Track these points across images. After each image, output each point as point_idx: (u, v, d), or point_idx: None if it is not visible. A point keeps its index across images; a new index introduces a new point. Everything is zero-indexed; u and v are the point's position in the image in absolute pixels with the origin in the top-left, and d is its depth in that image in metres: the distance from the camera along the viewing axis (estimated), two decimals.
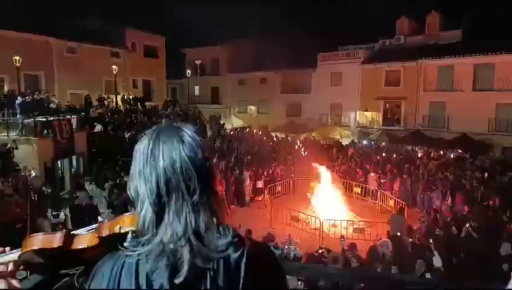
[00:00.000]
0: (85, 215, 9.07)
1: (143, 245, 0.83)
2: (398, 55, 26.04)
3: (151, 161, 0.85)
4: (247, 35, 35.31)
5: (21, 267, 0.96)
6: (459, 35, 25.54)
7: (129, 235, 0.88)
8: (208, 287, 0.81)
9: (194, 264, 0.80)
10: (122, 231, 0.91)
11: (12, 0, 21.79)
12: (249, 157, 18.60)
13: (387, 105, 27.53)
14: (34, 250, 0.93)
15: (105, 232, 0.93)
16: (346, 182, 16.73)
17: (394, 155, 20.68)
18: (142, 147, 0.88)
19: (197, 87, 37.00)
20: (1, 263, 0.94)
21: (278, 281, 0.92)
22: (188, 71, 31.26)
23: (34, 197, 9.91)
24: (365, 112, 27.63)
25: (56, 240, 0.93)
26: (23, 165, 11.82)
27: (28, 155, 12.83)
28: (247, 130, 29.10)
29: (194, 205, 0.84)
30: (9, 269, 0.94)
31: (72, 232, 0.98)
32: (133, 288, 0.81)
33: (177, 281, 0.79)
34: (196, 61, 35.70)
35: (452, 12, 27.35)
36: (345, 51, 30.07)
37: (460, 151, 20.69)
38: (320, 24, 42.19)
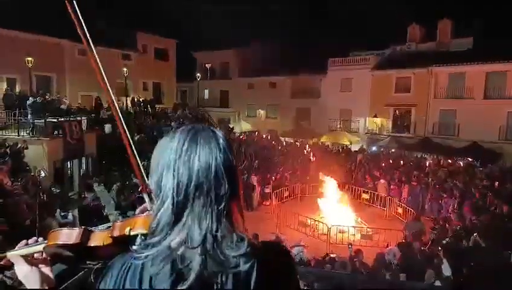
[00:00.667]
0: (93, 217, 9.15)
1: (152, 247, 0.80)
2: (409, 62, 25.86)
3: (185, 159, 0.81)
4: (257, 39, 35.49)
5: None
6: (471, 42, 25.32)
7: (138, 238, 0.87)
8: None
9: (202, 274, 0.76)
10: (132, 233, 0.90)
11: (25, 2, 22.17)
12: (257, 161, 18.59)
13: (397, 112, 27.33)
14: (57, 243, 0.97)
15: (116, 233, 0.94)
16: (354, 188, 16.63)
17: (403, 162, 20.48)
18: (174, 144, 0.83)
19: (206, 91, 37.17)
20: (28, 253, 1.00)
21: (290, 285, 0.89)
22: (198, 74, 31.44)
23: (43, 197, 10.01)
24: (375, 118, 27.45)
25: (75, 235, 0.97)
26: (33, 165, 11.95)
27: (38, 155, 12.97)
28: (256, 134, 29.10)
29: (219, 212, 0.80)
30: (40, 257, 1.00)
31: (89, 229, 1.00)
32: (136, 284, 0.79)
33: (180, 288, 0.75)
34: (206, 65, 35.89)
35: (464, 20, 27.16)
36: (356, 56, 30.00)
37: (470, 159, 20.43)
38: (331, 29, 42.14)
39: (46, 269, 0.99)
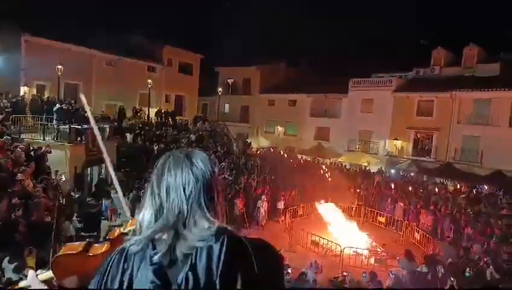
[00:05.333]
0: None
1: (138, 235, 1.02)
2: (432, 86, 25.48)
3: (160, 178, 1.07)
4: (280, 57, 35.89)
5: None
6: (497, 68, 24.76)
7: (130, 233, 1.08)
8: (186, 271, 0.94)
9: (172, 249, 0.97)
10: (125, 231, 1.14)
11: (59, 13, 23.29)
12: (267, 177, 18.54)
13: (418, 135, 26.84)
14: (64, 253, 1.19)
15: (112, 235, 1.18)
16: (370, 210, 16.30)
17: (422, 186, 19.99)
18: (155, 168, 1.11)
19: (227, 105, 37.61)
20: (42, 279, 1.21)
21: (251, 272, 0.98)
22: (220, 89, 31.93)
23: (62, 201, 10.26)
24: (395, 141, 27.02)
25: (78, 246, 1.19)
26: (55, 169, 12.30)
27: (60, 160, 13.35)
28: (272, 150, 29.10)
29: (189, 203, 1.02)
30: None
31: (90, 241, 1.23)
32: (121, 264, 0.99)
33: (154, 259, 0.96)
34: (228, 80, 36.46)
35: (490, 45, 26.67)
36: (378, 78, 29.83)
37: (492, 188, 19.74)
38: (354, 50, 42.21)
39: None
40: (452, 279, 7.84)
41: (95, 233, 9.94)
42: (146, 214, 1.04)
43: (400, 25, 43.63)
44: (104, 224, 10.98)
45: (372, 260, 11.89)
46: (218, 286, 0.91)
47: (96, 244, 1.20)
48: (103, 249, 1.17)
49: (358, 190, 18.63)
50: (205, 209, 1.03)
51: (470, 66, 26.30)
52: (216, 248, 0.95)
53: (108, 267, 1.01)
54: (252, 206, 14.98)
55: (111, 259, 1.02)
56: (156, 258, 0.95)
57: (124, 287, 0.96)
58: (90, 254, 1.17)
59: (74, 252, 1.17)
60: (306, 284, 7.82)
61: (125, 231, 1.14)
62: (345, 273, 9.19)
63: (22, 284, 1.20)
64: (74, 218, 10.12)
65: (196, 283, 0.92)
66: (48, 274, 1.20)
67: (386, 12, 49.81)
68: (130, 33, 29.62)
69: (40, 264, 5.26)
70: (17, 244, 6.31)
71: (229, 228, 1.03)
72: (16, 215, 7.48)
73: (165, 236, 0.98)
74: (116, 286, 0.97)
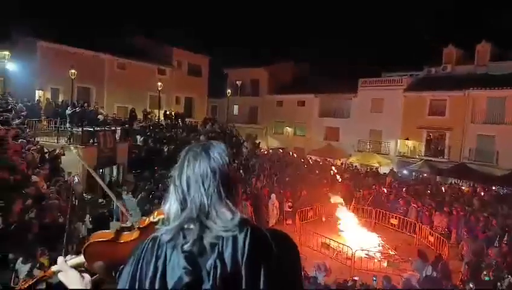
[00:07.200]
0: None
1: (168, 225, 1.09)
2: (444, 84, 25.08)
3: (181, 170, 1.14)
4: (289, 57, 35.81)
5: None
6: (511, 66, 24.25)
7: (159, 223, 1.16)
8: (215, 258, 1.01)
9: (200, 239, 1.04)
10: (155, 220, 1.20)
11: (73, 19, 23.69)
12: (276, 178, 18.47)
13: (430, 135, 26.45)
14: (95, 240, 1.24)
15: (142, 224, 1.24)
16: (381, 212, 16.09)
17: (436, 187, 19.68)
18: (178, 163, 1.17)
19: (236, 107, 37.69)
20: (72, 264, 1.26)
21: (272, 261, 1.04)
22: (229, 90, 32.01)
23: (75, 202, 10.39)
24: (406, 141, 26.67)
25: (109, 233, 1.25)
26: (68, 171, 12.47)
27: (73, 162, 13.51)
28: (281, 151, 29.03)
29: (208, 195, 1.08)
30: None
31: (120, 229, 1.27)
32: (154, 251, 1.06)
33: (185, 247, 1.03)
34: (237, 82, 36.55)
35: (504, 42, 26.11)
36: (388, 77, 29.51)
37: (510, 188, 19.31)
38: (363, 49, 41.90)
39: (87, 277, 1.24)
40: (472, 285, 7.65)
41: None
42: (172, 205, 1.11)
43: (410, 23, 43.14)
44: (115, 225, 11.08)
45: (384, 263, 11.71)
46: (243, 273, 0.99)
47: (126, 232, 1.26)
48: (133, 237, 1.23)
49: (369, 191, 18.42)
50: (225, 200, 1.08)
51: (483, 63, 25.83)
52: (240, 238, 1.02)
53: (143, 253, 1.08)
54: (261, 207, 14.92)
55: (145, 245, 1.09)
56: (186, 246, 1.03)
57: (158, 272, 1.04)
58: (121, 241, 1.23)
59: (105, 239, 1.23)
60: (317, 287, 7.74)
61: (155, 220, 1.20)
62: (355, 278, 9.04)
63: (53, 268, 1.26)
64: (86, 219, 10.23)
65: (224, 269, 0.99)
66: (78, 259, 1.25)
67: (396, 10, 49.33)
68: (140, 36, 29.95)
69: (53, 265, 5.32)
70: (30, 245, 6.40)
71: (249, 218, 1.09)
72: (29, 217, 7.60)
73: (192, 226, 1.05)
74: (151, 270, 1.05)
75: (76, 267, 1.24)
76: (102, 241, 1.24)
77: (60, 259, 1.27)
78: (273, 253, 1.03)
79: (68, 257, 1.29)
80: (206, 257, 1.02)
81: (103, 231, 1.30)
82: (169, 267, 1.03)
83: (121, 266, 1.17)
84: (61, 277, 1.23)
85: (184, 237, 1.05)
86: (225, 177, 1.11)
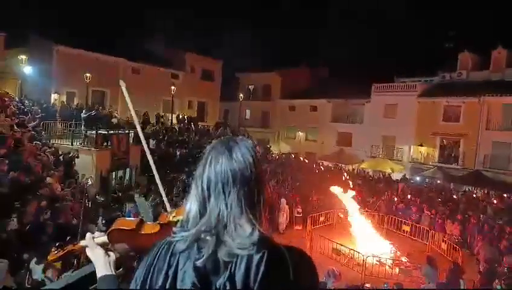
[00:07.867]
0: None
1: (185, 231, 1.02)
2: (459, 90, 24.75)
3: (201, 170, 1.05)
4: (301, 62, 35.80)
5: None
6: None
7: (178, 223, 1.10)
8: (225, 278, 0.93)
9: (214, 254, 0.95)
10: (175, 219, 1.19)
11: (88, 24, 24.23)
12: (287, 183, 18.41)
13: (444, 141, 26.06)
14: (117, 228, 1.25)
15: (163, 220, 1.25)
16: (395, 218, 15.89)
17: (449, 195, 19.35)
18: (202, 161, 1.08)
19: (248, 111, 37.82)
20: (98, 242, 1.26)
21: (287, 282, 0.95)
22: (241, 95, 32.17)
23: (88, 204, 10.57)
24: (420, 147, 26.32)
25: (132, 223, 1.27)
26: (82, 173, 12.70)
27: (87, 164, 13.78)
28: (293, 156, 28.99)
29: (228, 204, 0.99)
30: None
31: (143, 220, 1.29)
32: (167, 259, 1.02)
33: (197, 263, 0.96)
34: (249, 86, 36.70)
35: None
36: (402, 83, 29.24)
37: None
38: (376, 54, 41.58)
39: (112, 255, 1.25)
40: None
41: None
42: (192, 206, 1.04)
43: (425, 29, 42.70)
44: None
45: (396, 270, 11.57)
46: None
47: (149, 223, 1.27)
48: (153, 230, 1.24)
49: (382, 198, 18.22)
50: (246, 211, 0.98)
51: (499, 70, 25.39)
52: (255, 260, 0.93)
53: (156, 259, 1.04)
54: (272, 211, 14.89)
55: (158, 251, 1.05)
56: (199, 262, 0.96)
57: (168, 281, 1.00)
58: (142, 232, 1.24)
59: (127, 228, 1.25)
60: None
61: (174, 219, 1.20)
62: (367, 285, 8.93)
63: (82, 243, 1.29)
64: (99, 221, 10.38)
65: (233, 289, 0.93)
66: (103, 239, 1.27)
67: (410, 15, 48.90)
68: (154, 41, 30.39)
69: (66, 265, 5.42)
70: (44, 245, 6.53)
71: (268, 235, 1.00)
72: (44, 218, 7.76)
73: (208, 237, 0.98)
74: (161, 278, 1.01)
75: (103, 245, 1.26)
76: (124, 229, 1.25)
77: (88, 235, 1.29)
78: (288, 274, 0.94)
79: (96, 233, 1.31)
80: (218, 275, 0.95)
81: (126, 218, 1.33)
82: (179, 278, 0.99)
83: (136, 262, 1.18)
84: (88, 252, 1.26)
85: (199, 249, 0.98)
86: (248, 182, 1.00)
